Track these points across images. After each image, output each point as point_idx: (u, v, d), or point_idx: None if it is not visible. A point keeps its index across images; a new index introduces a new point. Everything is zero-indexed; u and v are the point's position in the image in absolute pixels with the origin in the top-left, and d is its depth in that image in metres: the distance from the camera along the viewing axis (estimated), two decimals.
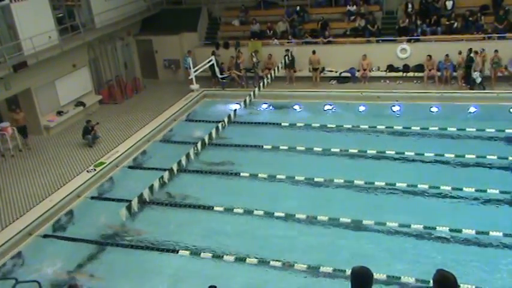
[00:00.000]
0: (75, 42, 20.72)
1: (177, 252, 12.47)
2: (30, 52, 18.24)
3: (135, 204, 14.01)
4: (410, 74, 21.82)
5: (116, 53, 23.50)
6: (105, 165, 16.54)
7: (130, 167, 17.17)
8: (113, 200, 15.08)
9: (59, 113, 20.51)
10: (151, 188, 14.73)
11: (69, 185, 15.52)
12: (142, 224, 14.00)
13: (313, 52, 22.25)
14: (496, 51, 19.85)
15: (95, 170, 16.24)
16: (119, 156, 17.14)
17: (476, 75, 19.81)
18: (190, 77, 22.12)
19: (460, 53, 20.32)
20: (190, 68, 21.99)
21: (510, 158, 15.19)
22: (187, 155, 16.45)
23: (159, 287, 11.41)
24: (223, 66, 23.45)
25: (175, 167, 15.82)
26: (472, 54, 20.03)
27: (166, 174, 15.42)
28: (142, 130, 19.11)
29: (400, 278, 10.83)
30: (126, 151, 17.51)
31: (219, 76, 22.95)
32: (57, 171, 16.62)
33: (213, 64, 22.63)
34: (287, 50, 22.82)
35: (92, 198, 15.39)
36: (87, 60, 22.16)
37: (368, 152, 16.40)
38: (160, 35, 25.05)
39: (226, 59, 23.59)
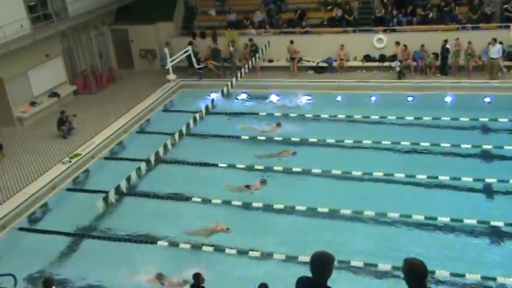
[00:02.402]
0: (47, 31, 20.28)
1: (155, 243, 12.43)
2: (1, 42, 17.77)
3: (112, 195, 13.86)
4: (387, 63, 21.99)
5: (90, 42, 23.11)
6: (80, 156, 16.34)
7: (106, 158, 16.99)
8: (90, 191, 14.92)
9: (33, 103, 20.12)
10: (128, 179, 14.59)
11: (43, 177, 15.30)
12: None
13: (291, 42, 22.23)
14: (469, 42, 20.11)
15: (70, 161, 16.02)
16: (95, 148, 16.95)
17: (395, 64, 20.73)
18: (166, 67, 21.92)
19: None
20: (167, 58, 21.78)
21: (484, 147, 15.48)
22: (165, 146, 16.34)
23: (136, 278, 11.35)
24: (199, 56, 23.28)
25: (152, 158, 15.70)
26: (447, 45, 20.29)
27: (143, 165, 15.30)
28: (119, 121, 18.91)
29: (377, 265, 10.98)
30: (102, 142, 17.32)
31: (196, 66, 22.79)
32: (31, 164, 16.32)
33: (189, 54, 22.45)
34: (250, 40, 22.77)
35: (68, 190, 15.21)
36: (61, 50, 21.76)
37: (345, 141, 16.52)
38: (136, 24, 24.69)
39: (203, 49, 23.42)
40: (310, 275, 4.75)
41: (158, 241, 12.49)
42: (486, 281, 10.41)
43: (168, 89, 21.74)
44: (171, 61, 21.72)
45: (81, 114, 19.73)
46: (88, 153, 16.61)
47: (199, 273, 9.60)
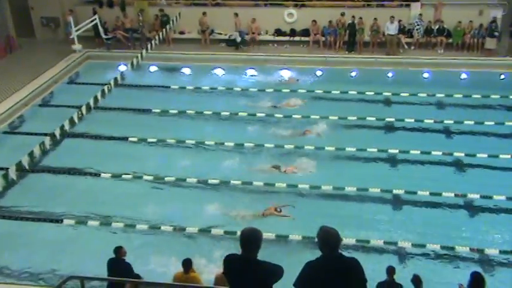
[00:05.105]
0: None
1: (61, 221, 11.92)
2: None
3: (12, 172, 13.07)
4: (297, 38, 22.34)
5: None
6: None
7: (5, 133, 15.96)
8: None
9: None
10: (31, 154, 13.81)
11: None
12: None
13: (204, 14, 21.90)
14: (375, 19, 20.97)
15: None
16: None
17: (235, 36, 21.66)
18: (71, 37, 20.79)
19: (342, 14, 21.28)
20: (71, 27, 20.63)
21: (387, 119, 16.29)
22: (71, 120, 15.60)
23: (38, 257, 10.88)
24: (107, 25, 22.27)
25: (57, 132, 14.94)
26: (355, 21, 21.02)
27: (47, 140, 14.53)
28: (19, 93, 17.69)
29: (287, 236, 11.27)
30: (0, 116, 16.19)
31: (104, 36, 21.82)
32: None
33: (96, 24, 21.41)
34: (161, 10, 22.24)
35: None
36: None
37: (257, 115, 16.67)
38: None
39: (111, 18, 22.42)
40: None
41: (64, 219, 11.99)
42: (388, 246, 11.07)
43: (73, 59, 20.63)
44: (76, 30, 20.62)
45: None
46: None
47: (121, 247, 9.37)
